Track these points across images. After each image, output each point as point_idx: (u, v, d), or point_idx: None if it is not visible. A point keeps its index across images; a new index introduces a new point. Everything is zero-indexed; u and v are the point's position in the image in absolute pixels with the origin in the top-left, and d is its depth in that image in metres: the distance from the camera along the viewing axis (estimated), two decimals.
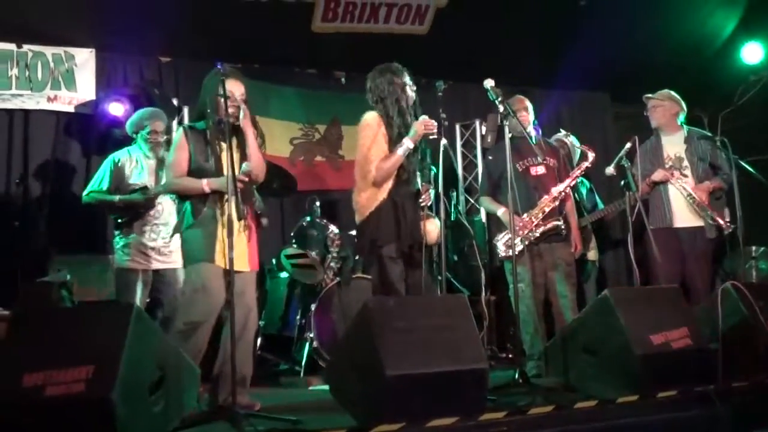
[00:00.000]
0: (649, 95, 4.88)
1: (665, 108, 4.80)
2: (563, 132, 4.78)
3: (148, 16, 5.30)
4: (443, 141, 3.79)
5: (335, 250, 5.18)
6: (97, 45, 5.64)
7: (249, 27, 5.68)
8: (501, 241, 4.32)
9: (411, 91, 3.86)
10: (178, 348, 3.06)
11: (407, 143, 3.68)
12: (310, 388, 4.48)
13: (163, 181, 4.09)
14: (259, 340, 4.96)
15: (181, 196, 3.48)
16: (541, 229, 4.25)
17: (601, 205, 5.65)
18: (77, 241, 5.27)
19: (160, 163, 4.44)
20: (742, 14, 6.51)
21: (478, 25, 6.03)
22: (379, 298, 3.48)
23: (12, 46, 5.40)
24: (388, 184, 3.76)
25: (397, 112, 3.79)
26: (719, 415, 3.02)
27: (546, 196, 4.30)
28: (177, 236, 3.50)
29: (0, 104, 5.36)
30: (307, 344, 4.81)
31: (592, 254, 5.74)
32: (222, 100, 3.31)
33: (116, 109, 5.40)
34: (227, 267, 3.26)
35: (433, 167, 3.89)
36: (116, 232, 4.48)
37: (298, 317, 5.20)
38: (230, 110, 3.36)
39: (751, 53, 6.69)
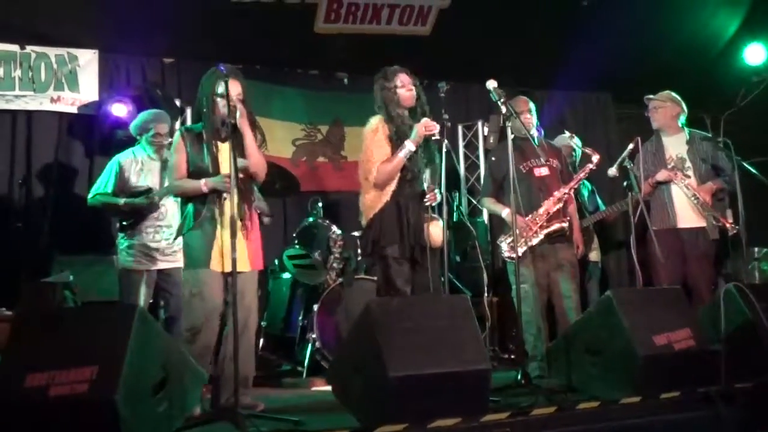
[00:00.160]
0: (650, 96, 4.88)
1: (666, 109, 4.80)
2: (567, 134, 4.78)
3: (150, 17, 5.31)
4: (445, 142, 3.80)
5: (338, 251, 5.17)
6: (101, 46, 5.65)
7: (251, 28, 5.68)
8: (505, 242, 4.32)
9: (407, 92, 3.86)
10: (181, 348, 3.07)
11: (408, 146, 3.72)
12: (313, 388, 4.48)
13: (167, 183, 4.11)
14: (261, 341, 4.97)
15: (184, 198, 3.50)
16: (545, 231, 4.24)
17: (602, 207, 5.65)
18: (80, 241, 5.27)
19: (165, 165, 4.46)
20: (744, 15, 6.50)
21: (480, 26, 6.03)
22: (382, 299, 3.49)
23: (15, 47, 5.41)
24: (392, 186, 3.79)
25: (396, 116, 3.83)
26: (722, 416, 3.01)
27: (551, 198, 4.29)
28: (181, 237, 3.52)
29: (3, 105, 5.37)
30: (310, 345, 4.81)
31: (594, 255, 5.73)
32: (218, 99, 3.37)
33: (119, 110, 5.41)
34: (224, 270, 3.31)
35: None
36: (120, 234, 4.49)
37: (300, 318, 5.21)
38: (226, 110, 3.37)
39: (753, 54, 6.68)
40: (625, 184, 4.65)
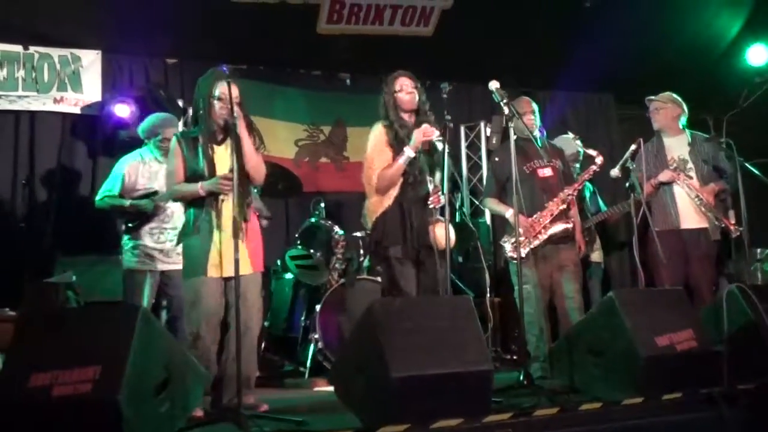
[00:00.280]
0: (652, 97, 4.87)
1: (668, 110, 4.80)
2: (571, 135, 4.78)
3: (153, 18, 5.32)
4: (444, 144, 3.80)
5: (340, 251, 5.18)
6: (104, 47, 5.66)
7: (254, 29, 5.69)
8: (508, 243, 4.31)
9: (406, 95, 3.89)
10: (184, 349, 3.08)
11: (407, 152, 3.75)
12: (315, 389, 4.49)
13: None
14: (263, 342, 4.97)
15: (185, 203, 3.51)
16: (550, 232, 4.24)
17: (604, 208, 5.65)
18: (83, 241, 5.28)
19: None
20: (747, 16, 6.50)
21: (483, 26, 6.03)
22: (385, 300, 3.49)
23: (19, 48, 5.43)
24: (395, 190, 3.83)
25: (396, 121, 3.87)
26: (725, 417, 3.01)
27: (555, 199, 4.29)
28: None
29: (6, 105, 5.39)
30: (312, 345, 4.82)
31: (596, 256, 5.74)
32: (215, 102, 3.38)
33: (122, 110, 5.42)
34: (223, 275, 3.33)
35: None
36: (125, 235, 4.51)
37: (302, 318, 5.22)
38: (223, 112, 3.37)
39: (756, 55, 6.68)
40: (627, 185, 4.67)
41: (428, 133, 3.71)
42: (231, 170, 3.28)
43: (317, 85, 6.57)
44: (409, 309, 2.93)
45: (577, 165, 5.13)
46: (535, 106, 4.50)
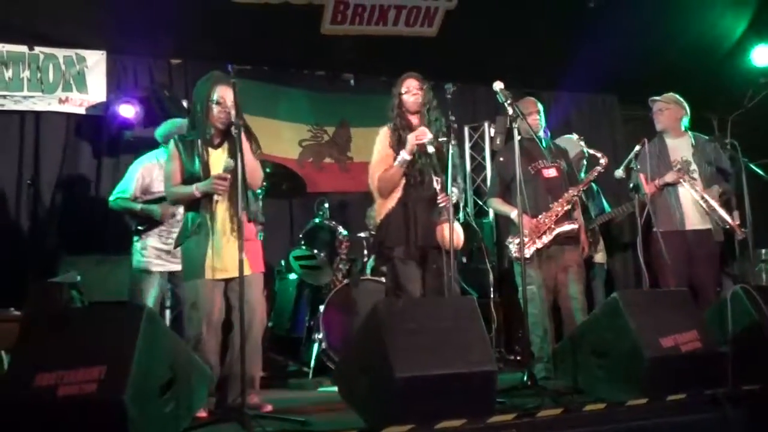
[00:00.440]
0: (655, 98, 4.86)
1: (671, 111, 4.79)
2: (575, 136, 4.78)
3: (158, 18, 5.33)
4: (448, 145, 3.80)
5: (344, 252, 5.19)
6: (108, 47, 5.68)
7: (258, 29, 5.70)
8: (513, 243, 4.31)
9: (411, 96, 3.91)
10: (188, 349, 3.08)
11: (403, 155, 3.77)
12: (319, 389, 4.49)
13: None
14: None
15: (184, 207, 3.51)
16: (556, 231, 4.24)
17: (607, 208, 5.64)
18: (87, 241, 5.30)
19: None
20: (752, 17, 6.49)
21: (486, 27, 6.04)
22: (388, 300, 3.50)
23: (24, 49, 5.44)
24: (398, 192, 3.86)
25: (399, 122, 3.90)
26: (729, 418, 3.01)
27: (560, 200, 4.29)
28: None
29: (12, 106, 5.41)
30: (316, 345, 4.82)
31: (600, 257, 5.73)
32: (213, 105, 3.38)
33: (126, 110, 5.44)
34: (220, 277, 3.35)
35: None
36: (135, 236, 4.53)
37: (306, 319, 5.22)
38: (221, 116, 3.38)
39: (761, 56, 6.66)
40: (631, 185, 4.66)
41: (420, 136, 3.71)
42: (225, 170, 3.29)
43: (321, 85, 6.58)
44: (413, 309, 2.93)
45: (584, 162, 5.12)
46: (540, 107, 4.50)
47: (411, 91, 3.91)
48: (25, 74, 5.43)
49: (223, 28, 5.61)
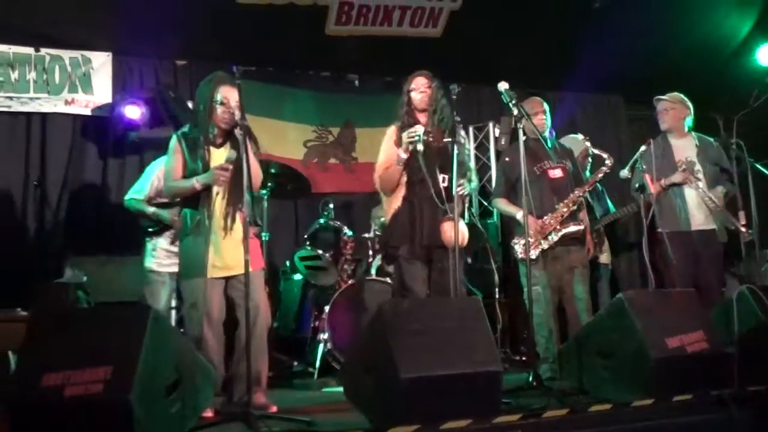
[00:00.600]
0: (661, 97, 4.85)
1: (677, 111, 4.78)
2: (581, 136, 4.77)
3: (163, 20, 5.35)
4: (460, 140, 3.79)
5: (349, 252, 5.19)
6: (114, 48, 5.70)
7: (263, 30, 5.71)
8: (519, 244, 4.30)
9: (419, 94, 3.90)
10: (194, 349, 3.09)
11: (400, 153, 3.75)
12: (324, 389, 4.49)
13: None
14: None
15: (182, 203, 3.52)
16: (561, 233, 4.23)
17: (612, 209, 5.63)
18: (93, 242, 5.32)
19: None
20: (757, 16, 6.47)
21: (491, 27, 6.03)
22: (394, 301, 3.50)
23: (30, 50, 5.47)
24: (402, 190, 3.84)
25: (405, 120, 3.89)
26: (735, 419, 3.00)
27: (566, 200, 4.28)
28: None
29: (18, 107, 5.43)
30: (321, 346, 4.82)
31: (605, 257, 5.72)
32: (217, 106, 3.40)
33: (132, 112, 5.46)
34: (216, 275, 3.36)
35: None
36: (146, 237, 4.57)
37: (311, 319, 5.22)
38: (225, 117, 3.39)
39: (766, 55, 6.64)
40: (636, 186, 4.65)
41: (411, 134, 3.69)
42: (227, 160, 3.30)
43: (326, 86, 6.58)
44: (418, 310, 2.93)
45: (589, 161, 5.11)
46: (546, 107, 4.48)
47: (419, 88, 3.90)
48: (31, 76, 5.46)
49: (228, 30, 5.62)
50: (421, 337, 2.77)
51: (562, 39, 6.07)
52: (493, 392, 2.85)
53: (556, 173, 4.36)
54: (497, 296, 5.65)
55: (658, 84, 5.19)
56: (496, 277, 5.68)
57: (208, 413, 3.18)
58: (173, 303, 4.69)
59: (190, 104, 5.63)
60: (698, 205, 4.62)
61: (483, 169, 6.86)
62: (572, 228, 4.23)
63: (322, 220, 5.33)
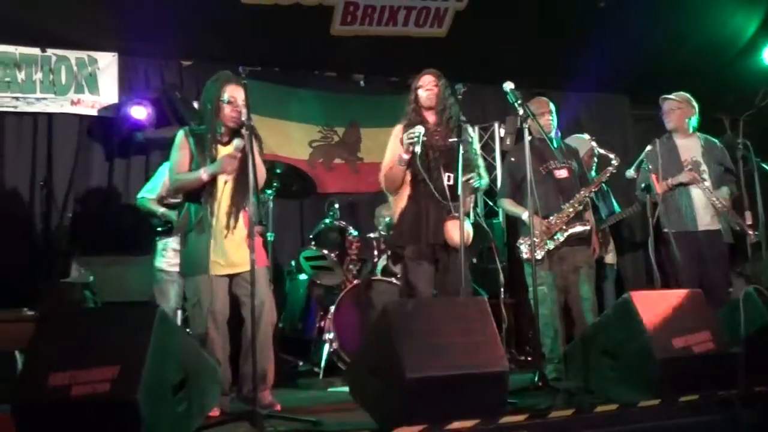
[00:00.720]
0: (668, 96, 4.83)
1: (683, 111, 4.77)
2: (587, 136, 4.76)
3: (168, 20, 5.36)
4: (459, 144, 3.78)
5: (354, 252, 5.20)
6: (120, 49, 5.72)
7: (269, 31, 5.72)
8: (525, 244, 4.29)
9: (425, 92, 3.89)
10: (200, 348, 3.10)
11: (401, 154, 3.73)
12: (330, 389, 4.50)
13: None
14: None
15: (185, 198, 3.52)
16: (567, 233, 4.22)
17: (617, 209, 5.62)
18: (100, 242, 5.34)
19: None
20: (763, 16, 6.44)
21: (496, 27, 6.03)
22: (399, 301, 3.50)
23: (36, 51, 5.49)
24: (407, 190, 3.84)
25: (411, 118, 3.88)
26: (741, 420, 2.99)
27: (571, 200, 4.27)
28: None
29: (25, 108, 5.45)
30: (327, 346, 4.83)
31: (611, 257, 5.71)
32: (224, 105, 3.41)
33: (138, 112, 5.48)
34: (225, 273, 3.37)
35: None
36: (156, 237, 4.60)
37: (317, 319, 5.23)
38: (234, 115, 3.40)
39: None
40: (642, 186, 4.63)
41: (410, 136, 3.67)
42: (235, 148, 3.32)
43: (331, 86, 6.59)
44: (424, 310, 2.93)
45: (595, 161, 5.10)
46: (552, 107, 4.47)
47: (425, 86, 3.89)
48: (38, 76, 5.48)
49: (234, 30, 5.63)
50: (427, 337, 2.77)
51: (568, 39, 6.06)
52: (499, 392, 2.85)
53: (562, 173, 4.35)
54: (502, 296, 5.64)
55: (664, 84, 5.18)
56: (502, 277, 5.67)
57: (215, 412, 3.19)
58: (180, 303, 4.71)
59: (195, 105, 5.66)
60: (705, 205, 4.61)
61: (488, 169, 6.82)
62: (578, 228, 4.23)
63: (327, 220, 5.34)
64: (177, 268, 4.46)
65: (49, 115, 5.55)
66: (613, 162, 4.38)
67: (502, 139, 6.65)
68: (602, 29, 5.86)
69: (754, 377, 3.17)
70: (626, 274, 6.64)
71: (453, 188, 3.71)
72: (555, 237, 4.23)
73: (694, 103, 4.80)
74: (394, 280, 4.90)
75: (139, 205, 4.67)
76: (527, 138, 3.79)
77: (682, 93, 4.82)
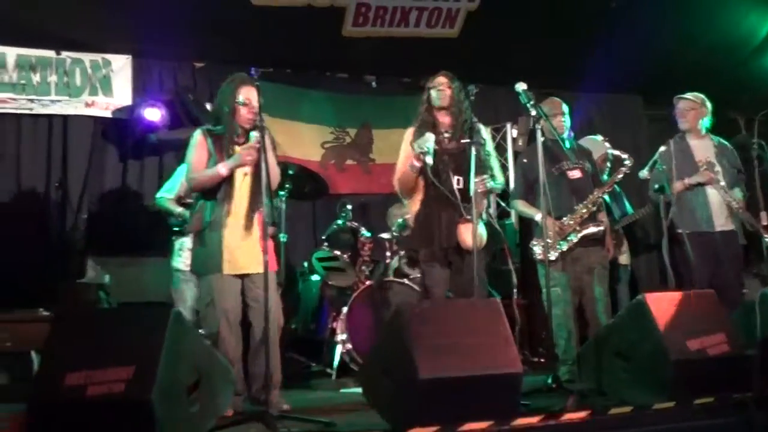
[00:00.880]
0: (683, 96, 4.80)
1: (697, 111, 4.74)
2: (600, 137, 4.74)
3: (181, 23, 5.39)
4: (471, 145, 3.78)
5: (367, 253, 5.20)
6: (134, 51, 5.74)
7: (281, 32, 5.73)
8: (538, 245, 4.27)
9: (437, 92, 3.89)
10: (213, 349, 3.11)
11: (413, 161, 3.73)
12: (342, 390, 4.50)
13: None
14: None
15: (201, 195, 3.54)
16: (581, 234, 4.20)
17: (630, 209, 5.59)
18: (114, 242, 5.38)
19: None
20: None
21: (508, 28, 6.01)
22: (412, 302, 3.50)
23: (51, 53, 5.53)
24: (420, 194, 3.85)
25: (423, 120, 3.89)
26: (755, 423, 2.97)
27: (585, 201, 4.25)
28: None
29: (40, 110, 5.49)
30: (339, 347, 4.83)
31: (624, 258, 5.68)
32: (240, 107, 3.44)
33: (152, 114, 5.50)
34: (237, 273, 3.38)
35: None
36: (173, 237, 4.62)
37: (329, 320, 5.23)
38: (249, 116, 3.43)
39: None
40: (656, 186, 4.61)
41: (420, 146, 3.66)
42: (255, 140, 3.33)
43: (343, 87, 6.59)
44: (437, 311, 2.93)
45: (608, 164, 5.08)
46: (565, 108, 4.44)
47: (438, 86, 3.89)
48: (53, 78, 5.52)
49: (246, 32, 5.65)
50: (440, 339, 2.77)
51: (580, 39, 6.03)
52: (512, 394, 2.84)
53: (575, 174, 4.33)
54: (515, 297, 5.63)
55: (678, 84, 5.14)
56: (515, 278, 5.66)
57: (227, 413, 3.20)
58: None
59: (208, 106, 5.69)
60: (720, 206, 4.58)
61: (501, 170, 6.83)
62: (592, 229, 4.20)
63: (339, 221, 5.35)
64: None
65: (64, 117, 5.59)
66: (626, 162, 4.36)
67: (514, 140, 6.63)
68: (614, 30, 5.83)
69: None
70: (640, 275, 6.59)
71: (464, 191, 3.71)
72: (568, 238, 4.21)
73: (708, 104, 4.77)
74: (406, 281, 4.90)
75: (157, 204, 4.69)
76: (540, 139, 3.78)
77: (697, 93, 4.80)
